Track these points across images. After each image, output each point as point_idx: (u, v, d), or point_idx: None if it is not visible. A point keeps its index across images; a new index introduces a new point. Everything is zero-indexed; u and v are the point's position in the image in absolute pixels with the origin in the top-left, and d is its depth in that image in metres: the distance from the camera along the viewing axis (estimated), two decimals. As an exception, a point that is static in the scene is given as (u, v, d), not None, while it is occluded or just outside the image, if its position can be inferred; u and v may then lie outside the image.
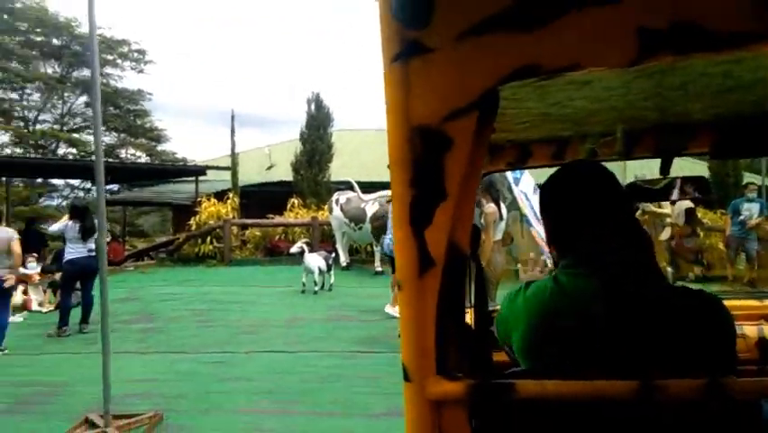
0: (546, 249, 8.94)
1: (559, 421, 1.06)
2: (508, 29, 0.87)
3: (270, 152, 21.24)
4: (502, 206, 6.17)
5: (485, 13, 0.89)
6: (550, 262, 10.00)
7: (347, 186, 12.50)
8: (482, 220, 5.80)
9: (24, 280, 8.37)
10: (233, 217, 13.89)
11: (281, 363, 5.64)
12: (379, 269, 11.69)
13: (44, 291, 9.02)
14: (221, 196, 14.96)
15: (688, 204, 10.74)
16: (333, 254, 11.03)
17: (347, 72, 74.34)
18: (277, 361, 5.74)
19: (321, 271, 9.68)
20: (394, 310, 7.14)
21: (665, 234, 10.37)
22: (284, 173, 17.76)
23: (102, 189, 3.91)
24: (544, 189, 1.34)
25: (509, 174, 10.07)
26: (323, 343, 6.41)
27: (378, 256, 11.87)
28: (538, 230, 8.72)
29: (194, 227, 13.97)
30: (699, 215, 11.33)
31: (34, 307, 8.54)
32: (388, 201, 10.83)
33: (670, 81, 1.14)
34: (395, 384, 4.20)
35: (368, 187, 12.24)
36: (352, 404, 4.44)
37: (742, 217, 10.39)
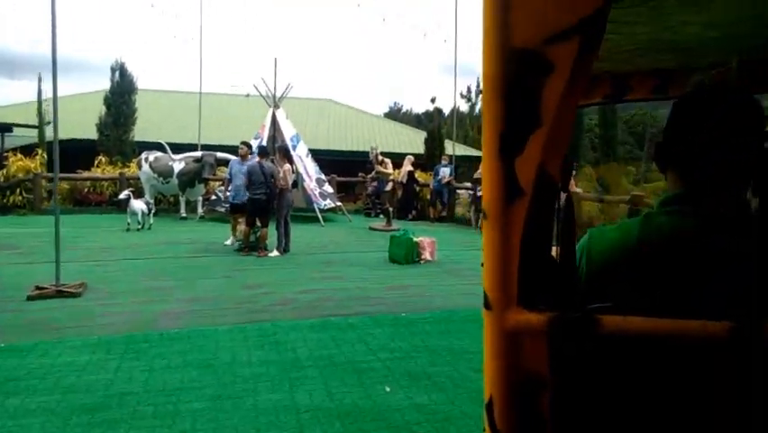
0: (319, 201, 14.67)
1: (643, 361, 1.02)
2: None
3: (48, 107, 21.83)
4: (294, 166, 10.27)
5: None
6: (317, 208, 15.90)
7: (157, 146, 15.06)
8: (282, 174, 9.74)
9: None
10: (42, 172, 15.40)
11: (145, 264, 8.78)
12: (184, 215, 14.69)
13: None
14: (28, 151, 16.22)
15: (410, 168, 16.19)
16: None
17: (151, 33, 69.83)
18: (140, 263, 8.82)
19: (143, 214, 12.42)
20: (230, 243, 10.70)
21: (388, 186, 15.45)
22: (79, 130, 19.06)
23: None
24: (682, 104, 1.18)
25: (288, 142, 14.02)
26: (167, 252, 9.65)
27: (182, 205, 14.87)
28: (310, 186, 13.49)
29: (2, 180, 15.13)
30: (417, 175, 16.68)
31: None
32: (195, 160, 14.03)
33: None
34: (224, 269, 8.79)
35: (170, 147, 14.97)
36: (211, 273, 8.13)
37: (439, 177, 15.91)
